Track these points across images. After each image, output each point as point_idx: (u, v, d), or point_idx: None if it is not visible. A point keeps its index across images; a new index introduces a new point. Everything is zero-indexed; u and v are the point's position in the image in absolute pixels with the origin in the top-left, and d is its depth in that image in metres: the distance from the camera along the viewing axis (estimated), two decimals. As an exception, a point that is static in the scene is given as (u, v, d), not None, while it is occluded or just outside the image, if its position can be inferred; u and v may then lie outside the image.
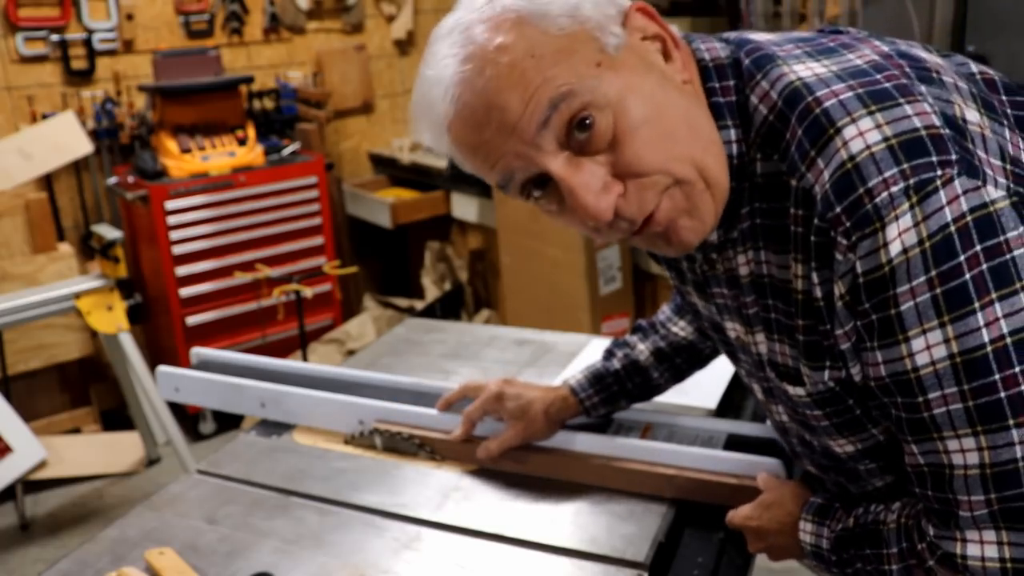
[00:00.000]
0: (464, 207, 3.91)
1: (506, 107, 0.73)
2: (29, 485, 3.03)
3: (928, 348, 0.69)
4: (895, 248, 0.68)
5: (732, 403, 1.45)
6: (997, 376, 0.68)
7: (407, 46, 4.51)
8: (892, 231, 0.68)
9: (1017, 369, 0.68)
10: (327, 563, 1.06)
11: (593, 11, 0.75)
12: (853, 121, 0.70)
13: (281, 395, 1.41)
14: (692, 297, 1.00)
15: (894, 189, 0.67)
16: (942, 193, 0.67)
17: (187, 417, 3.42)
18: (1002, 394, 0.68)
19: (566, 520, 1.13)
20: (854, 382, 0.78)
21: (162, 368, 1.53)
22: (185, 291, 3.34)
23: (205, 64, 3.52)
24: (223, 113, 3.50)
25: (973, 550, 0.73)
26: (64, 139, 3.17)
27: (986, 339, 0.68)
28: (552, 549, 1.07)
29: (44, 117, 3.39)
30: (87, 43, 3.53)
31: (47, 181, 3.45)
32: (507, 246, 3.46)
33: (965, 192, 0.67)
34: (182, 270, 3.33)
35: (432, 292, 4.03)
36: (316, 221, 3.63)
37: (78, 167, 3.52)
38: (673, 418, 1.30)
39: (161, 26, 3.72)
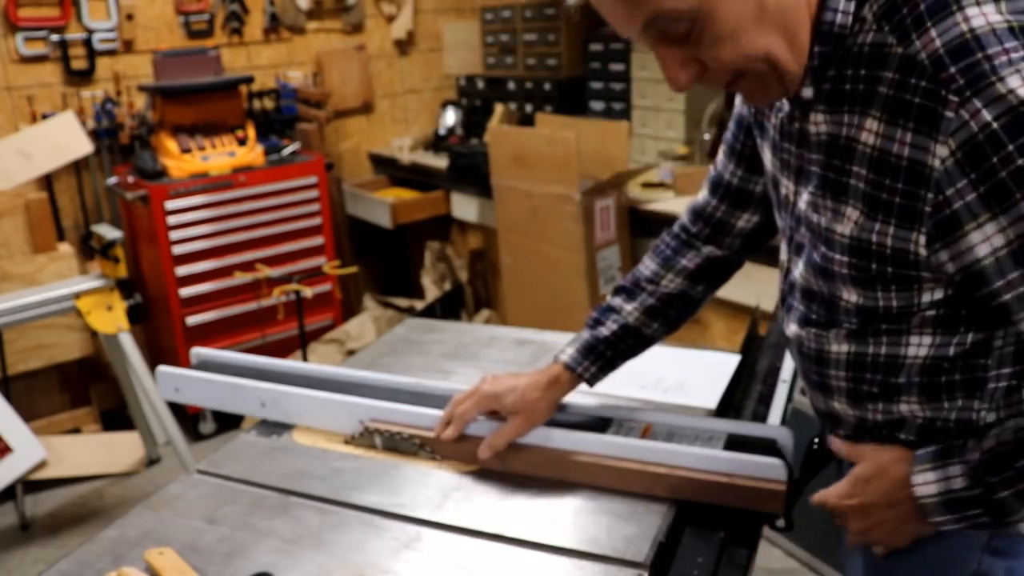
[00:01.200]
0: (464, 207, 3.91)
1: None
2: (29, 485, 3.03)
3: None
4: (1023, 93, 0.70)
5: (732, 403, 1.45)
6: None
7: (407, 46, 4.51)
8: (1015, 81, 0.71)
9: None
10: (327, 563, 1.06)
11: None
12: (978, 4, 0.74)
13: (281, 395, 1.41)
14: (765, 152, 1.05)
15: (1015, 55, 0.71)
16: None
17: (187, 417, 3.42)
18: None
19: (566, 520, 1.13)
20: (889, 247, 0.84)
21: (162, 368, 1.53)
22: (185, 291, 3.34)
23: (205, 64, 3.52)
24: (223, 113, 3.51)
25: None
26: (64, 139, 3.17)
27: None
28: (552, 549, 1.07)
29: (44, 117, 3.40)
30: (87, 43, 3.53)
31: (47, 181, 3.45)
32: (507, 246, 3.46)
33: None
34: (182, 270, 3.33)
35: (432, 292, 4.03)
36: (316, 221, 3.63)
37: (78, 167, 3.52)
38: (673, 418, 1.30)
39: (161, 26, 3.72)
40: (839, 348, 0.96)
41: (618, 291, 1.29)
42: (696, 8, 0.79)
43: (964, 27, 0.73)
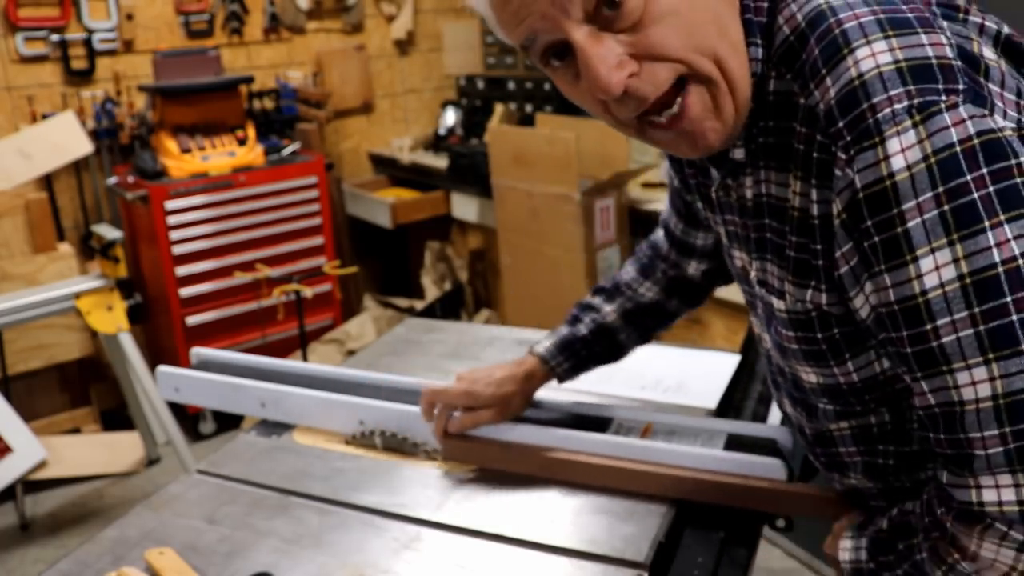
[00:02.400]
0: (464, 207, 3.91)
1: None
2: (29, 485, 3.03)
3: (937, 268, 0.67)
4: (897, 163, 0.67)
5: (732, 403, 1.45)
6: (1009, 298, 0.66)
7: (407, 46, 4.51)
8: (894, 145, 0.67)
9: None
10: (327, 563, 1.06)
11: None
12: (868, 43, 0.70)
13: (281, 395, 1.41)
14: (717, 227, 1.00)
15: (897, 107, 0.67)
16: (947, 115, 0.67)
17: (187, 417, 3.42)
18: (1014, 317, 0.66)
19: (566, 520, 1.13)
20: (830, 313, 0.79)
21: (162, 368, 1.53)
22: (185, 291, 3.34)
23: (205, 64, 3.52)
24: (223, 113, 3.51)
25: (989, 495, 0.70)
26: (64, 139, 3.17)
27: (997, 259, 0.66)
28: (552, 549, 1.07)
29: (44, 117, 3.40)
30: (87, 43, 3.53)
31: (47, 181, 3.45)
32: (507, 246, 3.46)
33: (971, 117, 0.67)
34: (182, 270, 3.33)
35: (432, 292, 4.03)
36: (316, 221, 3.63)
37: (78, 167, 3.52)
38: (673, 418, 1.30)
39: (161, 26, 3.72)
40: (838, 425, 0.91)
41: (598, 291, 1.30)
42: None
43: (854, 72, 0.69)
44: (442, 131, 4.31)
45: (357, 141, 4.42)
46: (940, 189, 0.66)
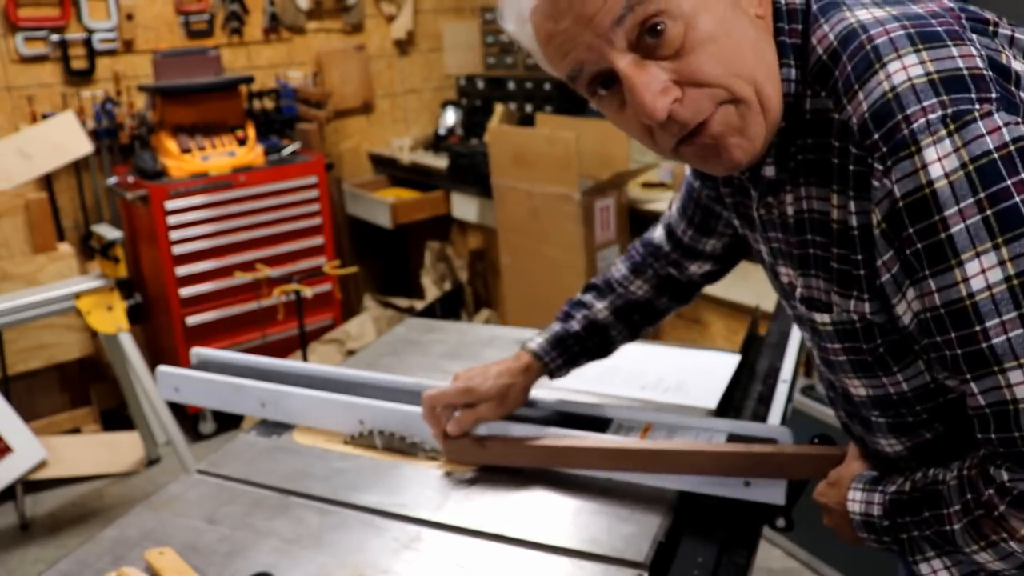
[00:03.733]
0: (464, 207, 3.91)
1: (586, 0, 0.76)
2: (29, 485, 3.03)
3: (983, 272, 0.69)
4: (935, 171, 0.69)
5: (732, 403, 1.45)
6: None
7: (407, 46, 4.51)
8: (931, 154, 0.69)
9: None
10: (327, 563, 1.06)
11: None
12: (899, 57, 0.72)
13: (281, 395, 1.41)
14: (758, 245, 1.01)
15: (932, 116, 0.69)
16: (981, 124, 0.68)
17: (187, 417, 3.42)
18: None
19: (566, 520, 1.13)
20: (874, 322, 0.80)
21: (162, 368, 1.53)
22: (185, 291, 3.34)
23: (205, 64, 3.52)
24: (223, 113, 3.51)
25: None
26: (64, 139, 3.17)
27: None
28: (552, 549, 1.07)
29: (44, 117, 3.40)
30: (87, 43, 3.53)
31: (47, 181, 3.45)
32: (507, 246, 3.46)
33: (1006, 124, 0.68)
34: (182, 270, 3.33)
35: (432, 292, 4.03)
36: (316, 221, 3.63)
37: (78, 167, 3.52)
38: (673, 418, 1.30)
39: (161, 26, 3.72)
40: (890, 440, 0.92)
41: (589, 288, 1.32)
42: (693, 10, 0.75)
43: (886, 86, 0.71)
44: (442, 131, 4.31)
45: (357, 141, 4.42)
46: (981, 195, 0.67)
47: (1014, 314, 0.69)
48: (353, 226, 4.34)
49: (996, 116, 0.68)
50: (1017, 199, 0.67)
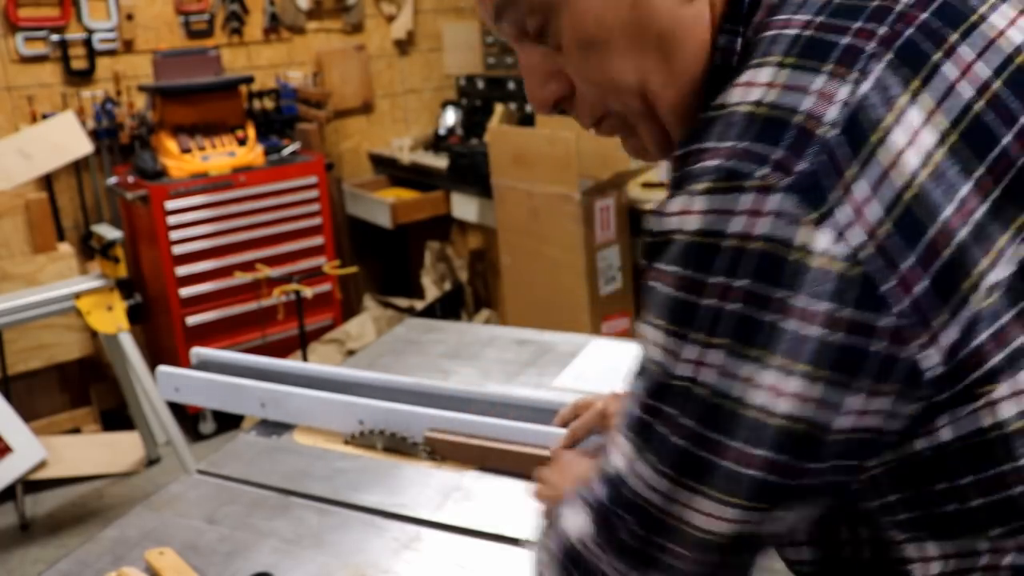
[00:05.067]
0: (464, 207, 3.91)
1: None
2: (29, 485, 3.03)
3: (650, 341, 0.58)
4: (671, 223, 0.56)
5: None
6: (665, 409, 0.56)
7: (407, 46, 4.51)
8: (676, 204, 0.55)
9: (676, 416, 0.56)
10: (327, 563, 1.07)
11: None
12: (760, 66, 0.56)
13: (281, 395, 1.41)
14: None
15: (709, 163, 0.54)
16: (744, 197, 0.52)
17: (187, 417, 3.42)
18: (659, 429, 0.57)
19: (566, 520, 1.13)
20: None
21: (162, 368, 1.53)
22: (185, 291, 3.34)
23: (205, 64, 3.52)
24: (223, 113, 3.50)
25: None
26: (64, 139, 3.17)
27: (678, 372, 0.55)
28: (552, 549, 1.07)
29: (44, 117, 3.40)
30: (87, 43, 3.53)
31: (47, 181, 3.45)
32: (507, 246, 3.46)
33: (777, 214, 0.51)
34: (182, 270, 3.33)
35: (432, 292, 4.03)
36: (316, 221, 3.63)
37: (78, 167, 3.52)
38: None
39: (161, 26, 3.72)
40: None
41: None
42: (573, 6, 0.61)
43: (724, 99, 0.58)
44: (442, 131, 4.31)
45: (357, 141, 4.42)
46: (679, 271, 0.54)
47: (643, 399, 0.59)
48: (353, 226, 4.34)
49: (774, 197, 0.52)
50: (702, 301, 0.54)
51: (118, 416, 3.50)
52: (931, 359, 0.52)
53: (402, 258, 4.49)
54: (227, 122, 3.52)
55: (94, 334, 3.22)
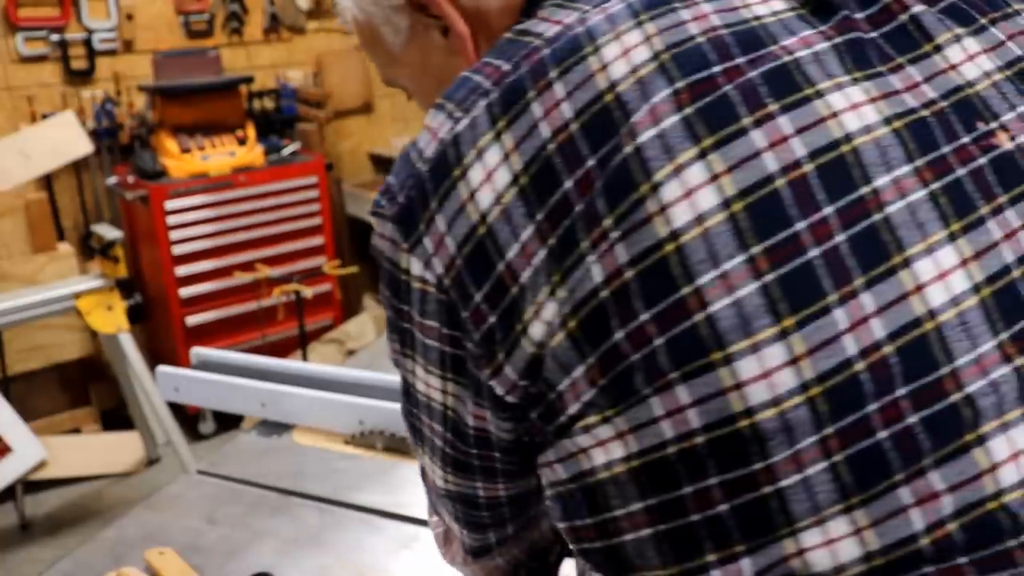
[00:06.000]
0: (464, 207, 3.90)
1: None
2: (29, 485, 3.03)
3: None
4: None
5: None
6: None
7: (407, 46, 4.50)
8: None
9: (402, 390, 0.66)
10: (327, 563, 1.07)
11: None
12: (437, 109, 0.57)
13: (281, 395, 1.41)
14: None
15: (376, 197, 0.57)
16: (378, 222, 0.57)
17: (187, 417, 3.41)
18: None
19: (566, 520, 1.13)
20: None
21: (162, 368, 1.53)
22: (185, 291, 3.34)
23: (205, 64, 3.52)
24: (223, 113, 3.50)
25: None
26: (64, 139, 3.17)
27: (391, 356, 0.67)
28: (552, 549, 1.07)
29: (44, 117, 3.39)
30: (87, 43, 3.53)
31: (47, 181, 3.45)
32: (507, 246, 3.46)
33: (390, 240, 0.56)
34: (182, 270, 3.33)
35: (432, 292, 4.03)
36: (316, 221, 3.63)
37: (78, 167, 3.52)
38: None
39: (161, 26, 3.72)
40: None
41: None
42: (392, 79, 0.70)
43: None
44: (442, 131, 4.31)
45: (357, 141, 4.42)
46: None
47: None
48: (353, 226, 4.34)
49: (387, 225, 0.57)
50: None
51: (118, 416, 3.50)
52: (500, 389, 0.52)
53: (402, 258, 4.49)
54: (227, 122, 3.52)
55: (94, 334, 3.22)
